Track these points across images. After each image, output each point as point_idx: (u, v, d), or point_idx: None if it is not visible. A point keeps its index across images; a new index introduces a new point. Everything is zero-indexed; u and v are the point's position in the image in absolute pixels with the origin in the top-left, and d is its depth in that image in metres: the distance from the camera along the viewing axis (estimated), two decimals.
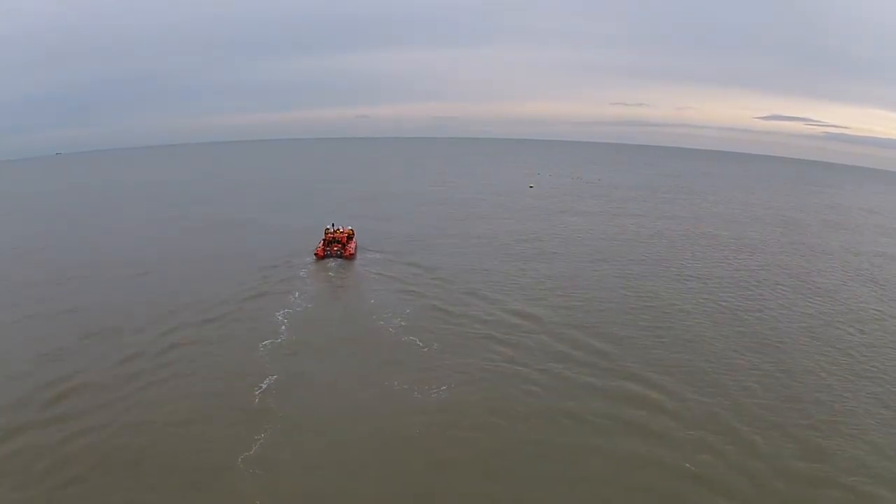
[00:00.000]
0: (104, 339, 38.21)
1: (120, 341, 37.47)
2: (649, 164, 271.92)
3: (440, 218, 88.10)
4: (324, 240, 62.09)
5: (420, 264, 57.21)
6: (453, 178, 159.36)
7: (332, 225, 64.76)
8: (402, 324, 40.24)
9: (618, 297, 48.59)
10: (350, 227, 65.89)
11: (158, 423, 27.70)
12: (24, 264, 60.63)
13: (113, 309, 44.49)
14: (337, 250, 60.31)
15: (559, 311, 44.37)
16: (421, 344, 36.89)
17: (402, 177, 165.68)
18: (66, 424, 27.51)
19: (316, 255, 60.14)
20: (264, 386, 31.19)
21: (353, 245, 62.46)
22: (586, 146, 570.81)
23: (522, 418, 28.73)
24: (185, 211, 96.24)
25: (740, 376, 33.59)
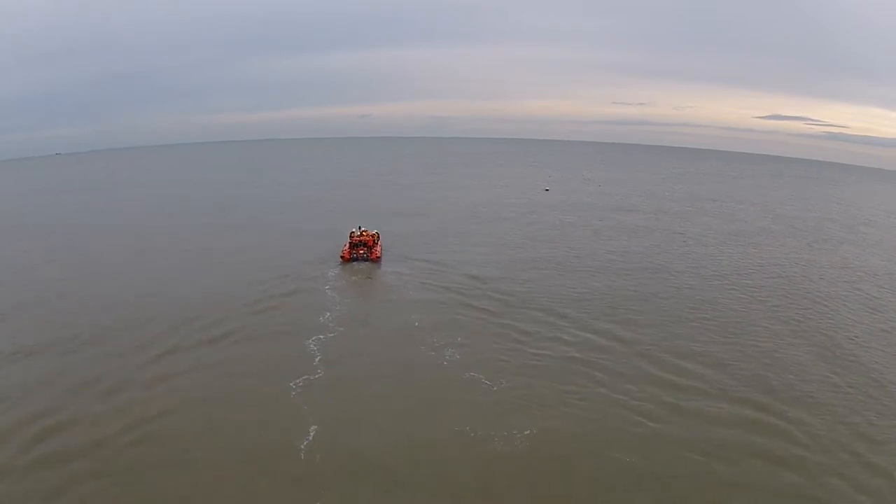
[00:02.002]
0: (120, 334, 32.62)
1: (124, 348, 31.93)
2: (659, 163, 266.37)
3: (467, 221, 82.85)
4: (349, 242, 60.17)
5: (464, 273, 52.53)
6: (464, 180, 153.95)
7: (358, 227, 62.59)
8: (457, 356, 34.32)
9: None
10: (375, 231, 63.56)
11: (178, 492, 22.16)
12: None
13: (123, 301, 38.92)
14: (363, 253, 58.48)
15: (650, 330, 39.19)
16: (489, 382, 30.91)
17: (409, 177, 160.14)
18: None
19: (342, 257, 58.25)
20: (310, 437, 25.62)
21: (378, 248, 60.43)
22: (589, 146, 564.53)
23: (633, 454, 24.63)
24: (198, 210, 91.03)
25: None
